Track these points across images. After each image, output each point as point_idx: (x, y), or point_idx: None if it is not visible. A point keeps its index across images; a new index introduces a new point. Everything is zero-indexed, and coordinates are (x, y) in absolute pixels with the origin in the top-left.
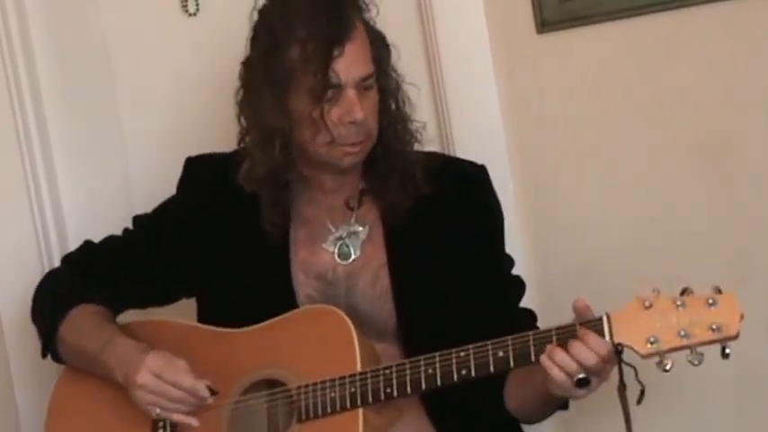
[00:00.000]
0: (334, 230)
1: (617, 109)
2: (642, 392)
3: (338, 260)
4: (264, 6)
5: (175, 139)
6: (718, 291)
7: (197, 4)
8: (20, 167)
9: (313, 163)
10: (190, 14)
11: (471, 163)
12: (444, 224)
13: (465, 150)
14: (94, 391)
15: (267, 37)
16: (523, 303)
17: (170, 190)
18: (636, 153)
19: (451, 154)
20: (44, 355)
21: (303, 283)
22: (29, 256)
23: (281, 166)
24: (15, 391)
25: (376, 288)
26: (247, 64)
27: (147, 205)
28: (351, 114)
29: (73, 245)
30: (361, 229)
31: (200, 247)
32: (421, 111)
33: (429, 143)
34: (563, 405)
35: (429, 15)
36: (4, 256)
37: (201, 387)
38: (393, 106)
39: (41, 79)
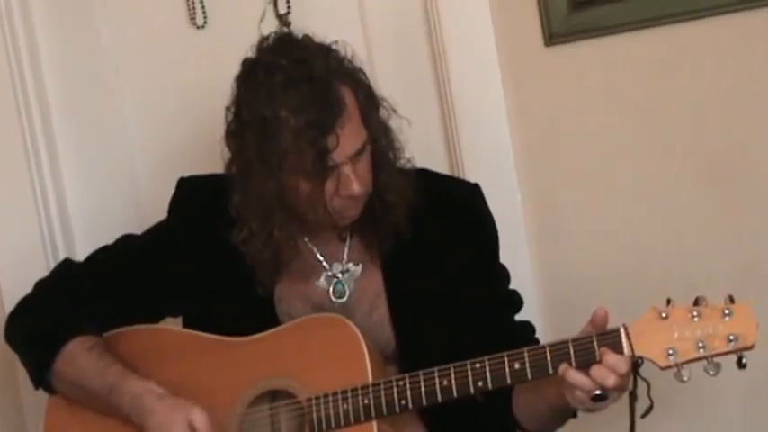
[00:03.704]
0: (327, 267)
1: (624, 121)
2: (650, 408)
3: (333, 298)
4: (246, 84)
5: (182, 150)
6: (731, 300)
7: (205, 17)
8: (28, 178)
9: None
10: (198, 27)
11: (463, 181)
12: (439, 245)
13: (473, 162)
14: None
15: (257, 124)
16: (530, 315)
17: None
18: (644, 164)
19: (459, 166)
20: (36, 387)
21: (301, 311)
22: (36, 267)
23: (279, 241)
24: (23, 398)
25: (373, 317)
26: (236, 141)
27: (154, 216)
28: (348, 189)
29: (80, 255)
30: (354, 267)
31: (190, 272)
32: (429, 123)
33: (436, 155)
34: (573, 413)
35: (437, 28)
36: (13, 266)
37: None
38: (383, 151)
39: (49, 91)
